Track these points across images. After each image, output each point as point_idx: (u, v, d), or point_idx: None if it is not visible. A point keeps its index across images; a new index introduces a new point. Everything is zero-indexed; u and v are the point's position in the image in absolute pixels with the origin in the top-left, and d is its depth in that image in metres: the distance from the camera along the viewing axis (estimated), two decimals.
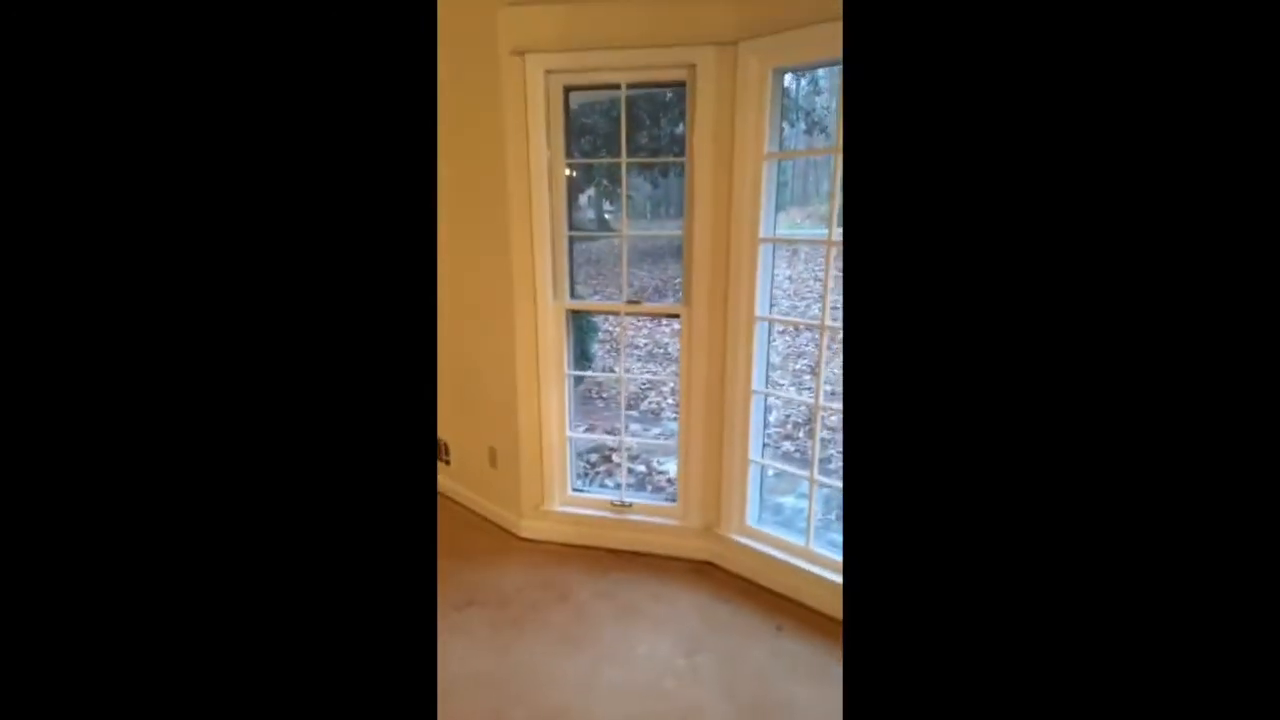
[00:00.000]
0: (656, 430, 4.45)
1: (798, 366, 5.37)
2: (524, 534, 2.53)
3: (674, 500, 2.40)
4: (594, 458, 3.75)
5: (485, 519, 2.70)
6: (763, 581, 2.19)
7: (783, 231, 2.12)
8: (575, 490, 2.50)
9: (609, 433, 4.13)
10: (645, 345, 6.04)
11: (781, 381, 5.04)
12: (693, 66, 1.98)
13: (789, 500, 3.26)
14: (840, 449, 3.97)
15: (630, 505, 2.40)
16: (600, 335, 5.37)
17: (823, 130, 5.53)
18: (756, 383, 2.14)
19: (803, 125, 5.81)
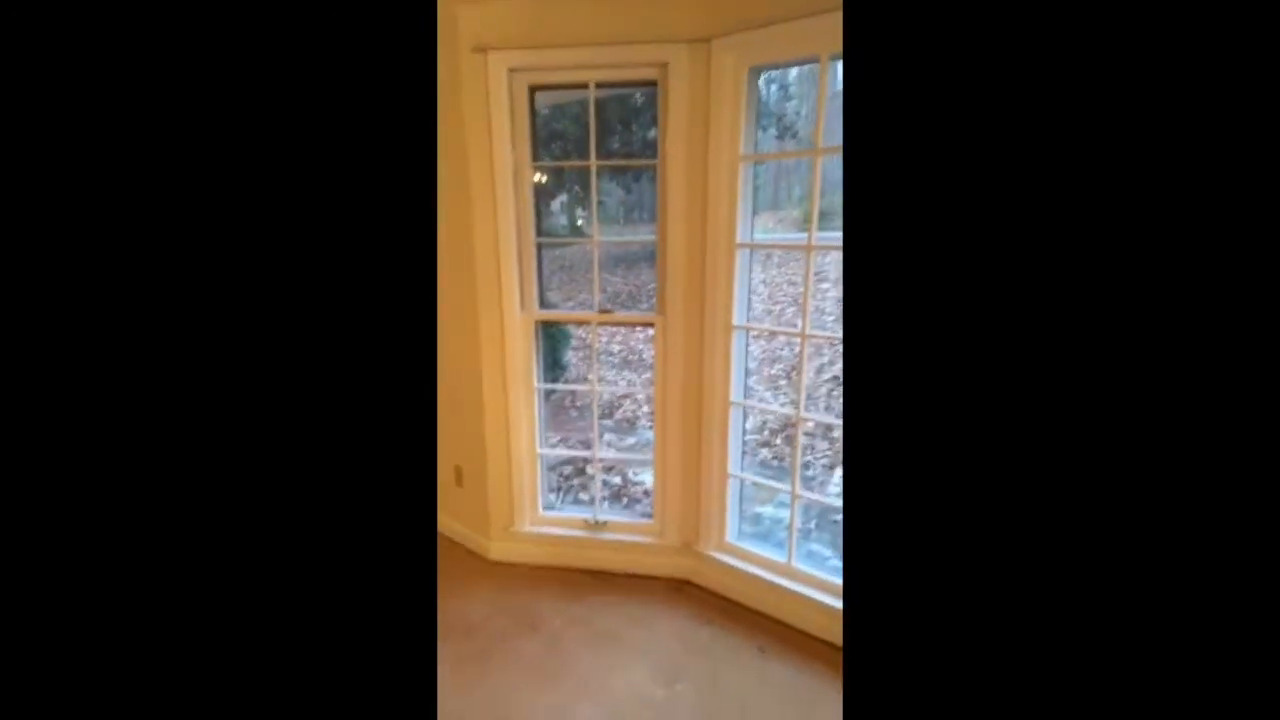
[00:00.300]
0: (632, 439, 4.35)
1: (773, 371, 5.32)
2: (492, 557, 2.40)
3: (650, 516, 2.30)
4: (567, 470, 3.64)
5: (451, 541, 2.57)
6: (743, 600, 2.11)
7: (758, 236, 2.05)
8: (547, 509, 2.38)
9: (582, 444, 4.06)
10: (619, 351, 5.94)
11: (757, 388, 4.98)
12: (664, 65, 1.90)
13: (767, 510, 3.19)
14: (817, 457, 3.93)
15: (605, 523, 2.29)
16: (573, 342, 5.26)
17: (794, 135, 5.52)
18: (735, 394, 2.05)
19: (774, 130, 5.79)
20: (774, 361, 5.48)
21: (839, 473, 3.77)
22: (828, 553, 2.86)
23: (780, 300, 6.60)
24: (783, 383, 5.23)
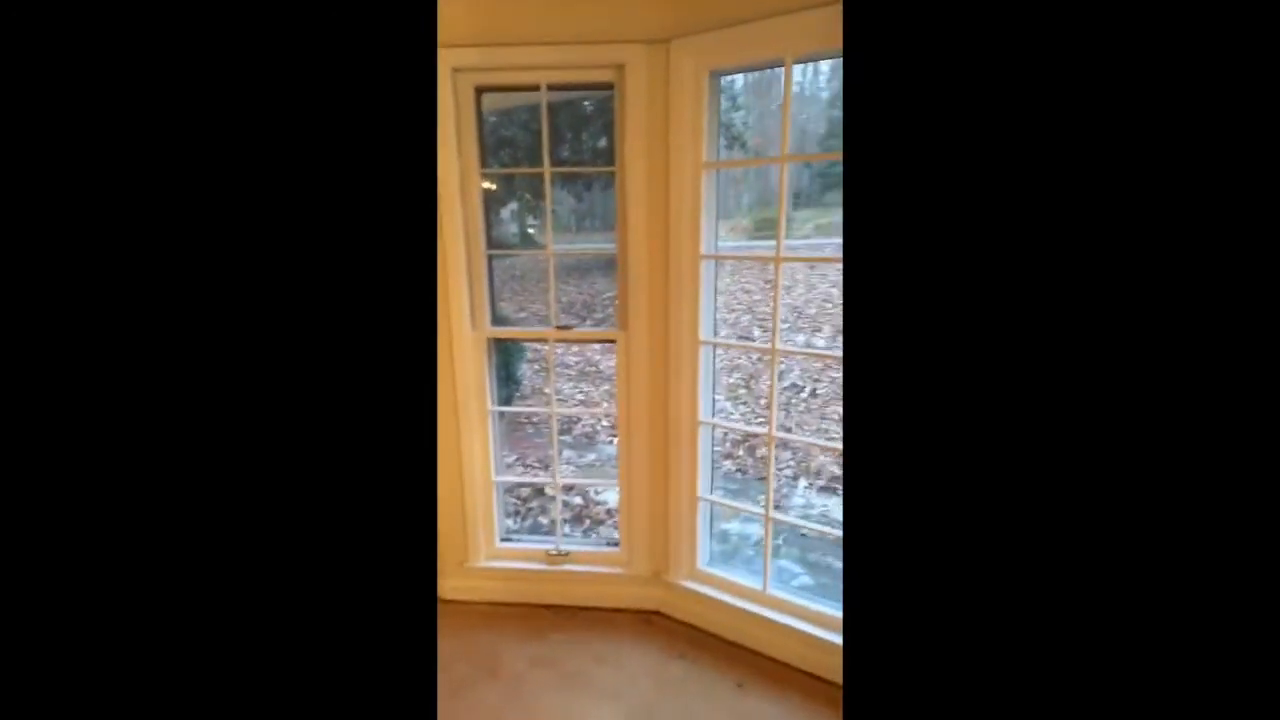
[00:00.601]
0: (591, 455, 4.20)
1: (731, 380, 5.28)
2: (446, 595, 2.22)
3: (615, 543, 2.17)
4: (525, 492, 3.47)
5: None
6: (717, 630, 2.00)
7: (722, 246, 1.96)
8: (505, 540, 2.22)
9: (540, 463, 3.89)
10: (576, 364, 5.78)
11: (716, 397, 4.92)
12: (621, 66, 1.79)
13: (733, 526, 3.11)
14: (780, 468, 3.88)
15: (567, 554, 2.15)
16: (528, 354, 5.08)
17: (742, 145, 5.52)
18: (703, 412, 1.95)
19: (723, 140, 5.78)
20: (732, 370, 5.44)
21: (803, 483, 3.72)
22: (797, 569, 2.80)
23: (734, 309, 6.59)
24: (742, 391, 5.19)
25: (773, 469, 1.93)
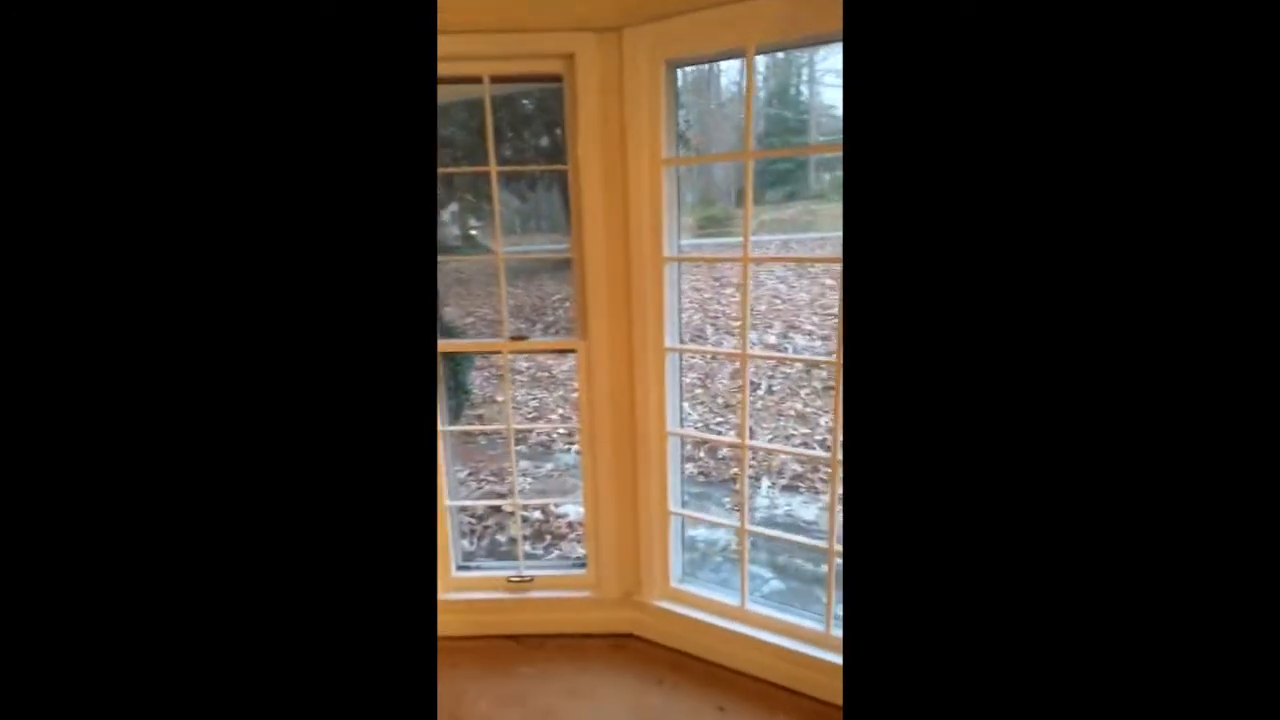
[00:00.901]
0: (550, 465, 4.05)
1: (688, 380, 5.21)
2: None
3: (582, 564, 2.05)
4: (481, 509, 3.30)
5: None
6: (695, 651, 1.90)
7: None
8: (461, 569, 2.06)
9: (494, 475, 3.72)
10: (528, 369, 5.60)
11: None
12: (570, 56, 1.66)
13: (699, 532, 3.03)
14: (747, 471, 3.82)
15: (531, 580, 2.01)
16: (477, 361, 4.87)
17: (685, 143, 5.48)
18: (671, 423, 1.85)
19: None
20: (687, 369, 5.37)
21: (766, 482, 3.69)
22: (766, 573, 2.74)
23: (685, 308, 6.53)
24: (699, 391, 5.14)
25: (745, 482, 1.84)
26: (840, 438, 1.62)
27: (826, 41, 1.54)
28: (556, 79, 1.72)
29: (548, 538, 3.06)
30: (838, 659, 1.67)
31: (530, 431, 4.33)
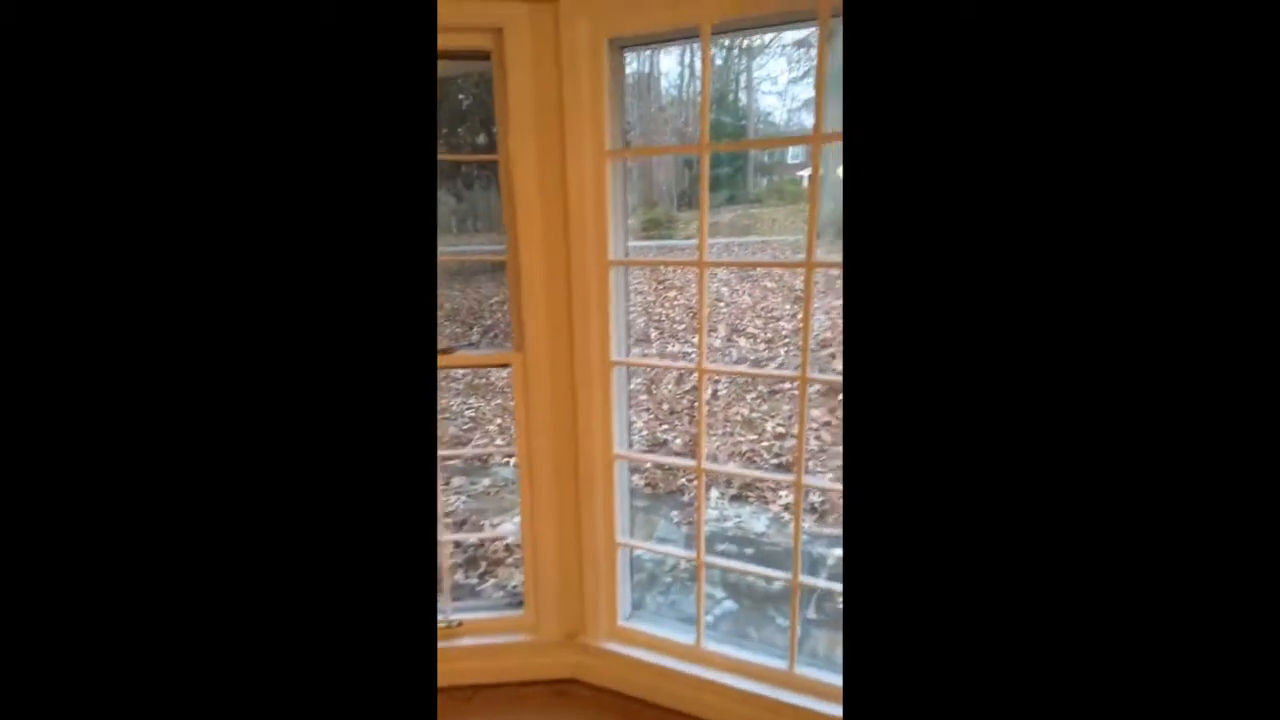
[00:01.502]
0: (486, 481, 3.79)
1: (632, 386, 5.04)
2: None
3: (519, 605, 1.83)
4: None
5: None
6: (646, 695, 1.72)
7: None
8: None
9: None
10: (464, 375, 5.29)
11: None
12: (498, 31, 1.45)
13: (643, 551, 2.86)
14: (690, 479, 3.69)
15: (461, 625, 1.78)
16: None
17: (624, 140, 5.33)
18: (619, 444, 1.66)
19: None
20: (630, 375, 5.19)
21: (715, 492, 3.56)
22: (719, 593, 2.60)
23: (629, 311, 6.36)
24: (643, 397, 4.98)
25: (703, 508, 1.68)
26: (802, 454, 1.48)
27: (787, 21, 1.39)
28: (485, 56, 1.51)
29: (483, 564, 2.82)
30: (802, 701, 1.53)
31: (464, 442, 4.05)
